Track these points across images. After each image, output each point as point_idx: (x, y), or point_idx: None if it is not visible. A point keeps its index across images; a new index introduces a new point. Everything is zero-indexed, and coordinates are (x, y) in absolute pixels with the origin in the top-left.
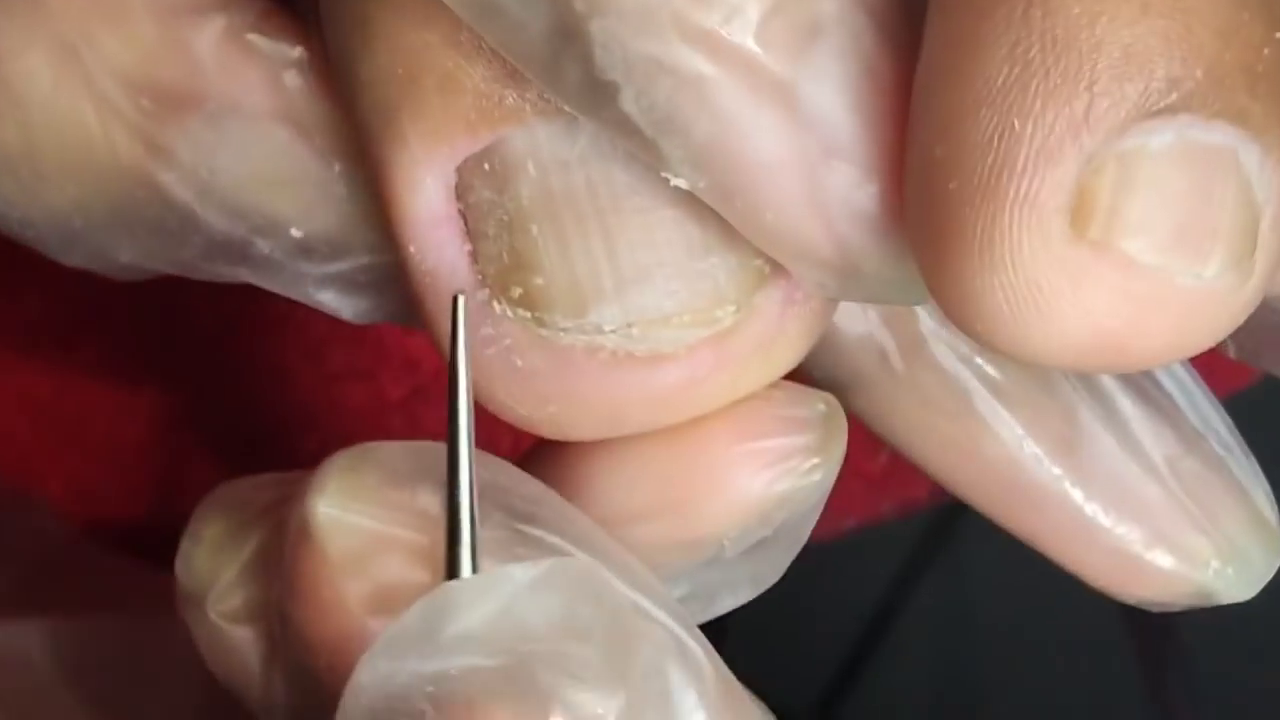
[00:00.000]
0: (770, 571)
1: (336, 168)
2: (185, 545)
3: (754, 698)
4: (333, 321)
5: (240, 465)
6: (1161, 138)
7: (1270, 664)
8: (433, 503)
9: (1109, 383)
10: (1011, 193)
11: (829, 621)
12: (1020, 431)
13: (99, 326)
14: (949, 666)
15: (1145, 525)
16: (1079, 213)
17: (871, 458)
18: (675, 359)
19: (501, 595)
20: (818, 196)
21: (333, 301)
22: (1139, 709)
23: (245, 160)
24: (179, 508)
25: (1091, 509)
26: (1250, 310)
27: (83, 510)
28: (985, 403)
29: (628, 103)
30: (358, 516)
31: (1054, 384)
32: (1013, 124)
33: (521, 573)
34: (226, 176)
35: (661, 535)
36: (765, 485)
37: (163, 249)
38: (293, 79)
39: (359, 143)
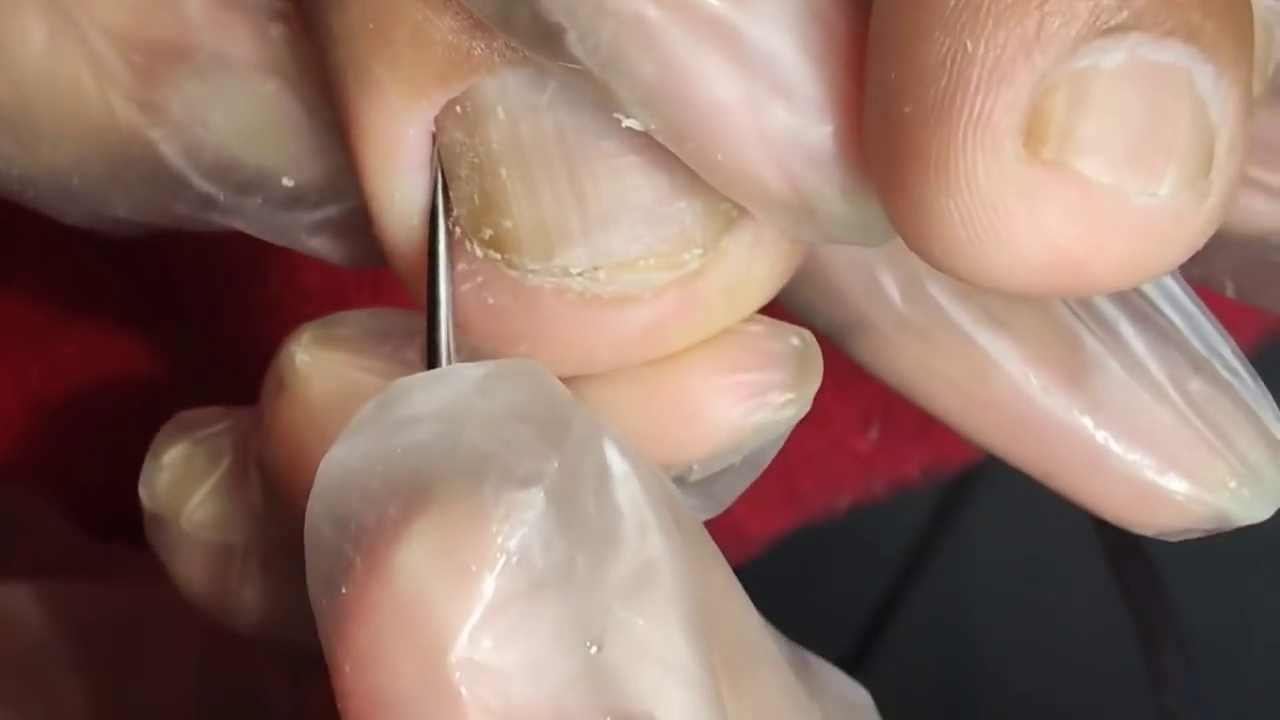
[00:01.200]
0: (727, 494)
1: (324, 116)
2: (148, 469)
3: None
4: (323, 303)
5: None
6: (1113, 56)
7: (1274, 655)
8: (406, 352)
9: (1110, 309)
10: (965, 114)
11: (827, 610)
12: (1025, 364)
13: (88, 311)
14: (949, 653)
15: (1157, 450)
16: (1032, 133)
17: (862, 434)
18: (642, 301)
19: (450, 388)
20: (768, 138)
21: (325, 248)
22: (1140, 697)
23: (235, 113)
24: None
25: (1102, 437)
26: (1209, 232)
27: (71, 492)
28: (987, 337)
29: (574, 45)
30: (335, 364)
31: (1056, 314)
32: (965, 45)
33: (471, 370)
34: (217, 130)
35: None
36: (740, 417)
37: (157, 203)
38: (278, 30)
39: (331, 91)
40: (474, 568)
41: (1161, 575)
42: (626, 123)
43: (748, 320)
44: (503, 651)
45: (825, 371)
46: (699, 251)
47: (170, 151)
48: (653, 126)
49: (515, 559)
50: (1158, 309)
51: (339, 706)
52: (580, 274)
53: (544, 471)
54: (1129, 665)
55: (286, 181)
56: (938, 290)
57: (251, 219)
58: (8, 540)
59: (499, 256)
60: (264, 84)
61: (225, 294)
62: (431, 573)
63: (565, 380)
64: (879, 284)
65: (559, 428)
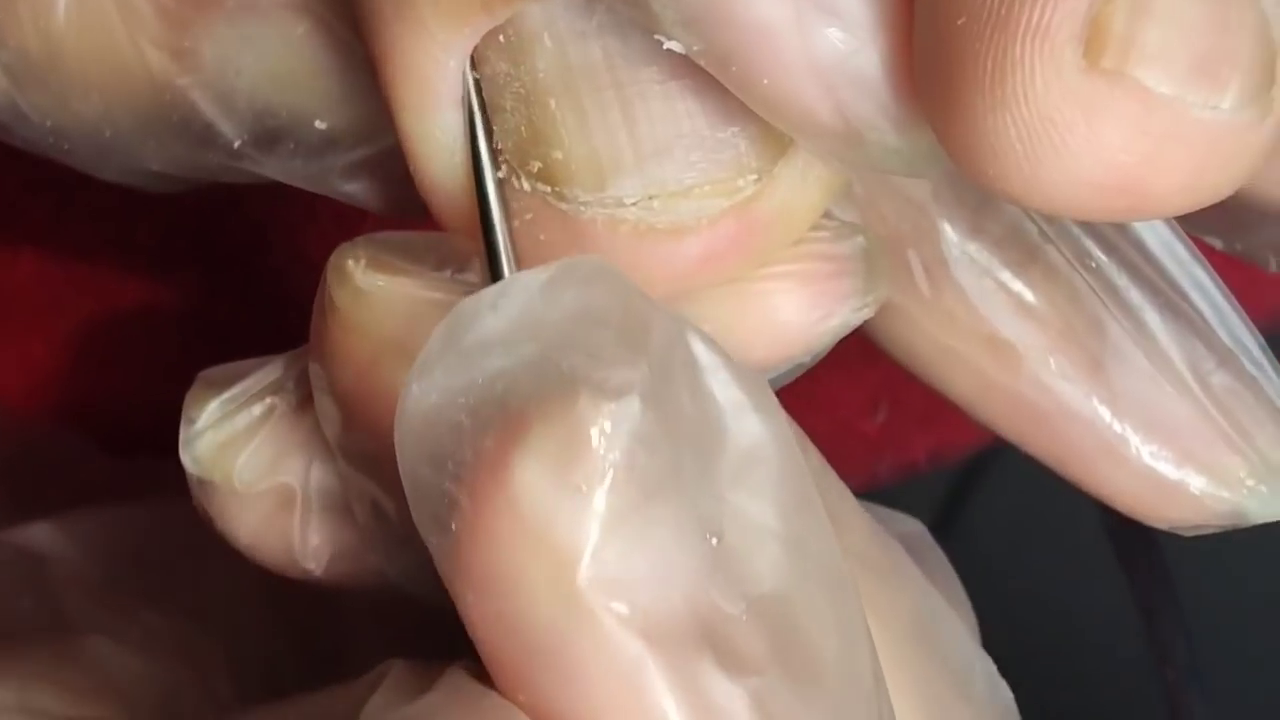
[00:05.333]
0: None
1: (358, 56)
2: (186, 434)
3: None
4: None
5: None
6: None
7: (1275, 630)
8: (466, 275)
9: (1137, 297)
10: (1023, 23)
11: None
12: (1046, 349)
13: (91, 286)
14: None
15: (1176, 444)
16: (1092, 42)
17: (869, 418)
18: (698, 230)
19: (516, 300)
20: (815, 61)
21: (360, 193)
22: (1147, 686)
23: (266, 56)
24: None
25: (1121, 428)
26: (1269, 151)
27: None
28: (1010, 321)
29: None
30: (398, 287)
31: (1081, 298)
32: None
33: (533, 277)
34: (249, 74)
35: None
36: (815, 323)
37: (189, 154)
38: None
39: (361, 28)
40: (584, 486)
41: (1163, 551)
42: (668, 44)
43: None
44: (628, 562)
45: (832, 354)
46: (754, 177)
47: (201, 98)
48: (696, 49)
49: (623, 469)
50: (1186, 297)
51: (470, 633)
52: (634, 204)
53: (635, 378)
54: (1131, 641)
55: (319, 125)
56: (963, 271)
57: (284, 166)
58: (49, 476)
59: (549, 189)
60: (295, 25)
61: (229, 265)
62: (541, 499)
63: None
64: (906, 262)
65: (639, 327)
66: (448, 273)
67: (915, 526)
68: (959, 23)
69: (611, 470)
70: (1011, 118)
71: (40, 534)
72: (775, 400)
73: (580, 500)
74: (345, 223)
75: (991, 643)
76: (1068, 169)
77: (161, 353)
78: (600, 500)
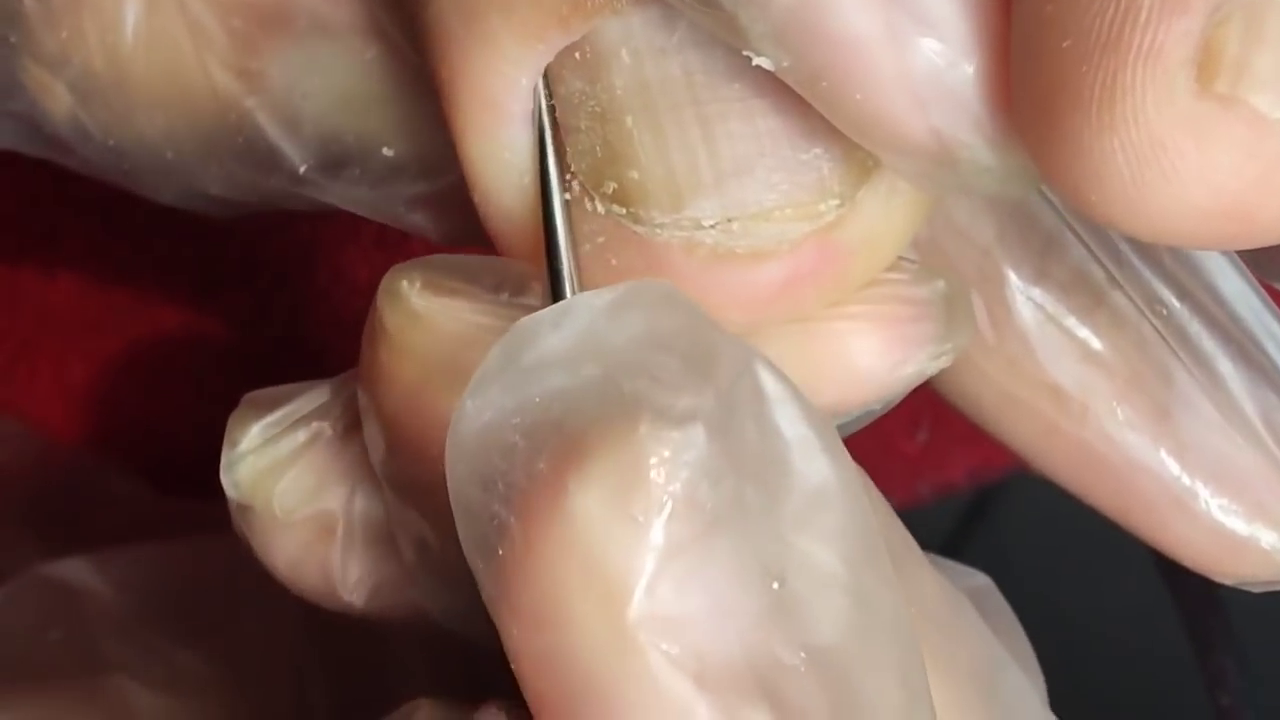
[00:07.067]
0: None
1: (428, 82)
2: (228, 457)
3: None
4: (370, 298)
5: None
6: None
7: None
8: (523, 298)
9: (1210, 344)
10: (1134, 46)
11: None
12: (1112, 397)
13: (134, 310)
14: None
15: (1247, 498)
16: (1205, 66)
17: (910, 437)
18: (777, 256)
19: (579, 320)
20: (909, 75)
21: (424, 222)
22: (1187, 694)
23: (335, 80)
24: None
25: (1189, 480)
26: None
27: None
28: (1074, 368)
29: None
30: (453, 309)
31: (1148, 346)
32: None
33: (597, 297)
34: (316, 98)
35: None
36: (891, 370)
37: (251, 178)
38: None
39: (426, 47)
40: (641, 517)
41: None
42: (756, 61)
43: (890, 267)
44: (683, 600)
45: None
46: (836, 202)
47: (267, 121)
48: (785, 64)
49: (683, 501)
50: (1260, 347)
51: (513, 667)
52: (712, 226)
53: (700, 405)
54: (1180, 666)
55: (386, 152)
56: (1027, 317)
57: (348, 193)
58: (93, 509)
59: (623, 211)
60: (366, 49)
61: (272, 288)
62: (596, 529)
63: None
64: None
65: (706, 354)
66: (504, 296)
67: (982, 581)
68: (1064, 44)
69: (671, 501)
70: (1120, 142)
71: (75, 568)
72: (841, 443)
73: (636, 531)
74: (387, 244)
75: (1042, 670)
76: (1176, 195)
77: (203, 375)
78: (658, 532)
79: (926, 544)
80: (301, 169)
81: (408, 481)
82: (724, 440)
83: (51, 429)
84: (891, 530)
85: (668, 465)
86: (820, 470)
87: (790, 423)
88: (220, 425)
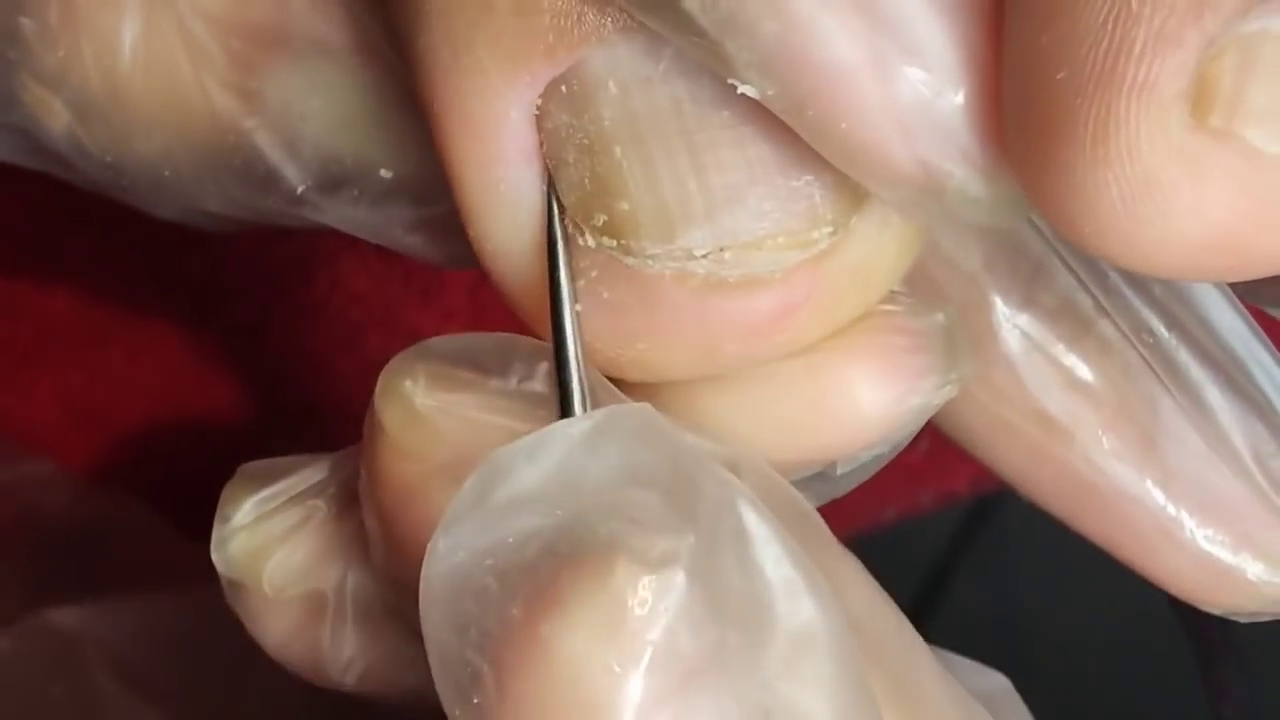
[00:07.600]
0: (853, 481)
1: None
2: (219, 532)
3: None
4: (369, 307)
5: (278, 451)
6: None
7: None
8: (532, 383)
9: (1197, 373)
10: (1129, 79)
11: None
12: (1099, 426)
13: (135, 319)
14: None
15: (1233, 528)
16: (1199, 100)
17: (912, 447)
18: (770, 284)
19: (555, 453)
20: (895, 104)
21: (421, 247)
22: (1189, 705)
23: (334, 102)
24: (218, 495)
25: (1175, 510)
26: None
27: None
28: (1061, 396)
29: (689, 1)
30: (457, 407)
31: (1135, 374)
32: (1129, 5)
33: (574, 427)
34: (315, 119)
35: (779, 455)
36: (892, 405)
37: (249, 197)
38: (380, 16)
39: (417, 78)
40: (618, 668)
41: None
42: (742, 89)
43: (884, 300)
44: None
45: None
46: (829, 230)
47: (266, 142)
48: (770, 93)
49: (663, 650)
50: (1249, 376)
51: None
52: (705, 256)
53: (680, 549)
54: (1183, 676)
55: (385, 173)
56: (1014, 344)
57: (346, 214)
58: (107, 546)
59: (614, 244)
60: (365, 71)
61: (272, 298)
62: (572, 681)
63: (690, 384)
64: None
65: (687, 489)
66: (513, 380)
67: (1000, 682)
68: (1058, 76)
69: (649, 650)
70: (1113, 176)
71: (80, 616)
72: (826, 583)
73: (614, 683)
74: (386, 253)
75: (1043, 680)
76: (1169, 228)
77: (203, 385)
78: (636, 685)
79: (929, 552)
80: (300, 189)
81: (402, 578)
82: (705, 583)
83: (50, 439)
84: (907, 643)
85: (646, 611)
86: (805, 613)
87: (774, 564)
88: (221, 436)
